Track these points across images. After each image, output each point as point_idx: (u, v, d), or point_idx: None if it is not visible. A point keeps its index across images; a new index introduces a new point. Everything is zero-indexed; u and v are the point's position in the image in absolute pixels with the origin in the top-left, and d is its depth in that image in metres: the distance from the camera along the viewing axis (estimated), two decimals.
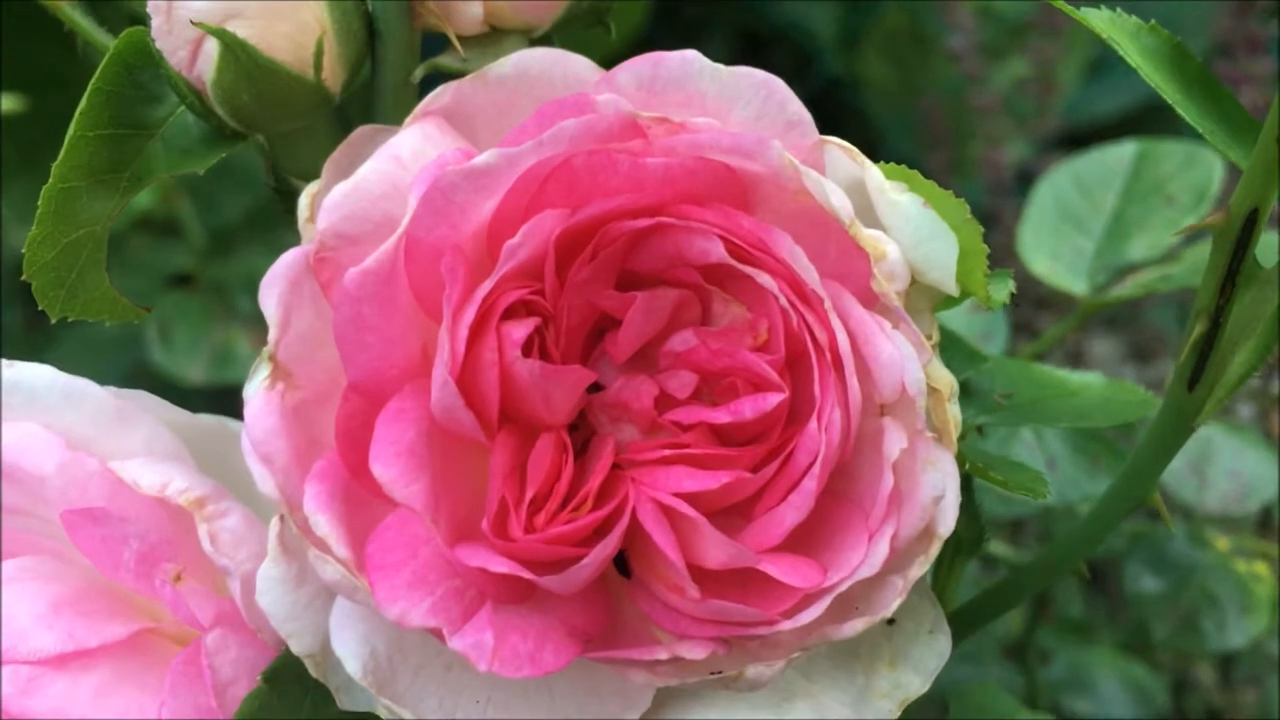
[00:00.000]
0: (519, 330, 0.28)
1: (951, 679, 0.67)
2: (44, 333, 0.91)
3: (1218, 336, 0.31)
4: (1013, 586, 0.38)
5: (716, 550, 0.28)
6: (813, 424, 0.28)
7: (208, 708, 0.31)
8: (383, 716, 0.31)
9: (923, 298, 0.32)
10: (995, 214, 0.88)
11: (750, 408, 0.29)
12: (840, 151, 0.32)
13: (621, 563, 0.31)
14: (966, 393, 0.38)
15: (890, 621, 0.33)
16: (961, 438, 0.32)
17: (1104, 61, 1.32)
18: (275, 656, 0.32)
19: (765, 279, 0.28)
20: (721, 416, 0.29)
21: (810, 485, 0.28)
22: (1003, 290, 0.32)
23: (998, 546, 0.69)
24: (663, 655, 0.28)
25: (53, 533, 0.34)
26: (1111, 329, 0.91)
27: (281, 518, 0.31)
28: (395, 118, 0.34)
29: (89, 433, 0.33)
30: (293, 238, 0.32)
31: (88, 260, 0.33)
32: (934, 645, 0.33)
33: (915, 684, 0.33)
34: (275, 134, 0.34)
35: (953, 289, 0.31)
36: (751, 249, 0.29)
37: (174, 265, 0.89)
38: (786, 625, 0.28)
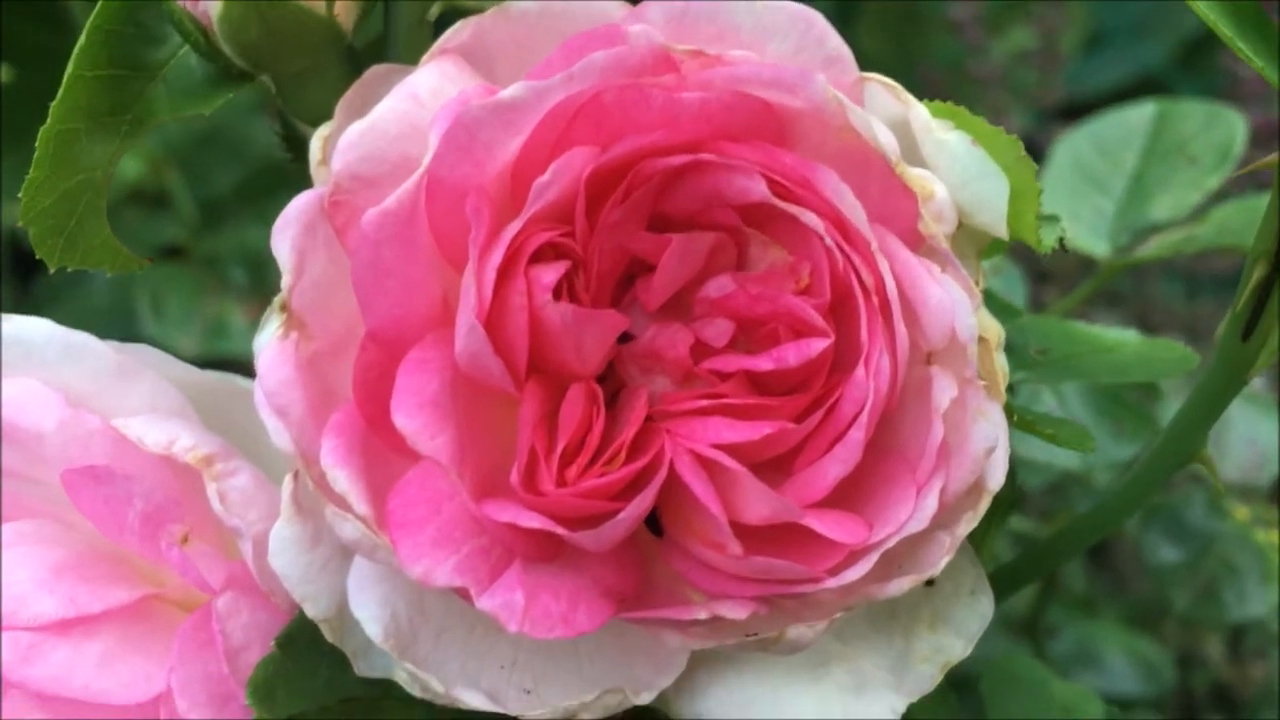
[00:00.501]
0: (549, 274, 0.27)
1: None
2: (33, 307, 0.90)
3: (1276, 283, 0.30)
4: (1053, 549, 0.36)
5: (759, 504, 0.26)
6: (860, 371, 0.27)
7: (219, 674, 0.29)
8: (402, 681, 0.29)
9: (968, 243, 0.31)
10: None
11: (794, 354, 0.27)
12: (883, 89, 0.30)
13: (652, 522, 0.30)
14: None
15: (929, 582, 0.32)
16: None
17: (1102, 34, 1.30)
18: (289, 621, 0.30)
19: (810, 218, 0.27)
20: (764, 364, 0.27)
21: (857, 436, 0.27)
22: (1052, 234, 0.31)
23: (1014, 520, 0.68)
24: (703, 615, 0.27)
25: (52, 496, 0.33)
26: (1115, 304, 0.90)
27: (295, 475, 0.30)
28: (410, 58, 0.32)
29: (89, 389, 0.32)
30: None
31: (87, 207, 0.31)
32: (976, 607, 0.32)
33: (958, 647, 0.31)
34: (283, 75, 0.32)
35: (1003, 231, 0.29)
36: (795, 187, 0.27)
37: (165, 237, 0.87)
38: (831, 583, 0.27)
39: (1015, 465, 0.38)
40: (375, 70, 0.31)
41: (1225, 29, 0.31)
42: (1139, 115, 0.63)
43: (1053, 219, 0.32)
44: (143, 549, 0.31)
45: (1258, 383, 0.80)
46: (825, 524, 0.27)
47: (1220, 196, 0.58)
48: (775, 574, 0.26)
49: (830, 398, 0.27)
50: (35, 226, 0.30)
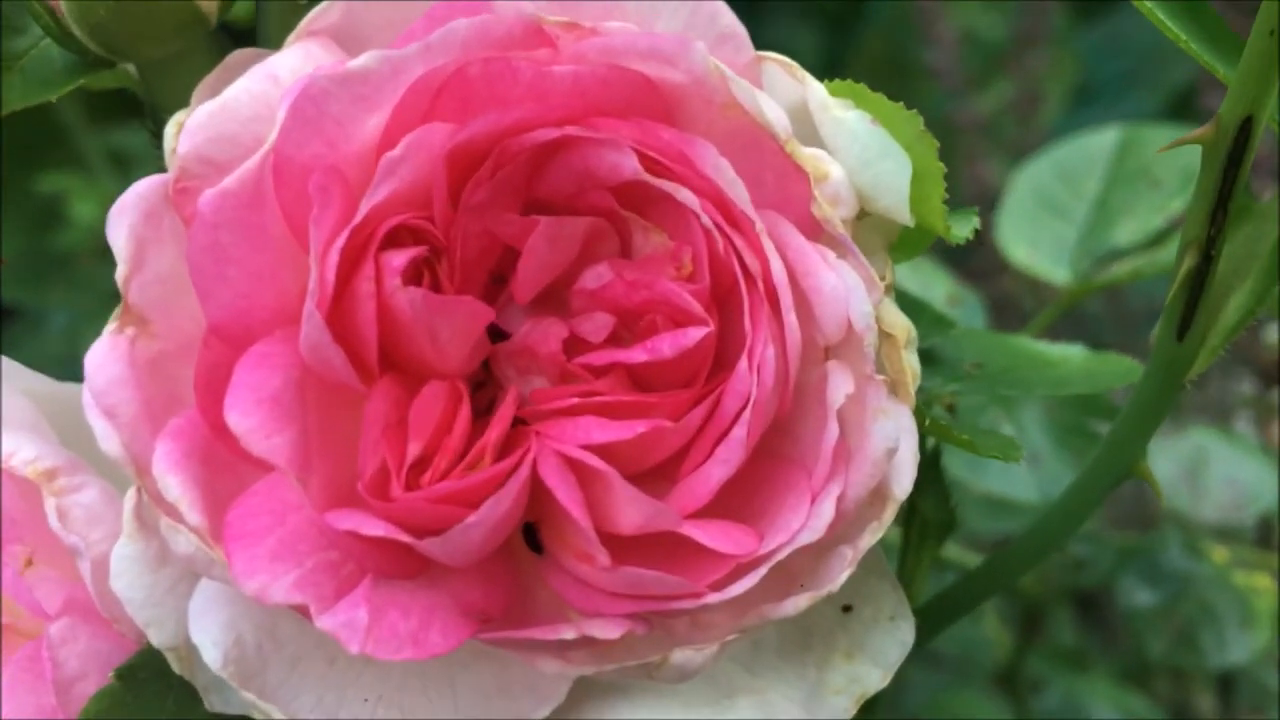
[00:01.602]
0: (400, 257, 0.24)
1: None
2: None
3: (1209, 274, 0.28)
4: (989, 574, 0.34)
5: (631, 511, 0.24)
6: (742, 363, 0.24)
7: (50, 707, 0.26)
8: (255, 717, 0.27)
9: (875, 235, 0.28)
10: (981, 230, 0.85)
11: (670, 344, 0.25)
12: (779, 69, 0.28)
13: (533, 538, 0.27)
14: (933, 360, 0.35)
15: (846, 609, 0.29)
16: (928, 406, 0.29)
17: (1090, 86, 1.29)
18: (135, 651, 0.28)
19: (685, 194, 0.25)
20: (637, 355, 0.25)
21: (740, 434, 0.24)
22: (965, 226, 0.28)
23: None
24: (570, 634, 0.24)
25: None
26: (1079, 332, 0.87)
27: (139, 490, 0.27)
28: (281, 44, 0.30)
29: None
30: None
31: None
32: (895, 633, 0.29)
33: (875, 677, 0.28)
34: (145, 62, 0.30)
35: (906, 216, 0.27)
36: (671, 162, 0.25)
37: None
38: (715, 598, 0.24)
39: (950, 488, 0.36)
40: (239, 54, 0.29)
41: (1176, 30, 0.29)
42: (1102, 141, 0.61)
43: (968, 211, 0.29)
44: None
45: (1240, 424, 0.77)
46: (707, 534, 0.24)
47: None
48: (649, 587, 0.24)
49: (712, 394, 0.25)
50: None
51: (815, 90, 0.27)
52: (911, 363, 0.27)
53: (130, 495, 0.27)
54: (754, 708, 0.28)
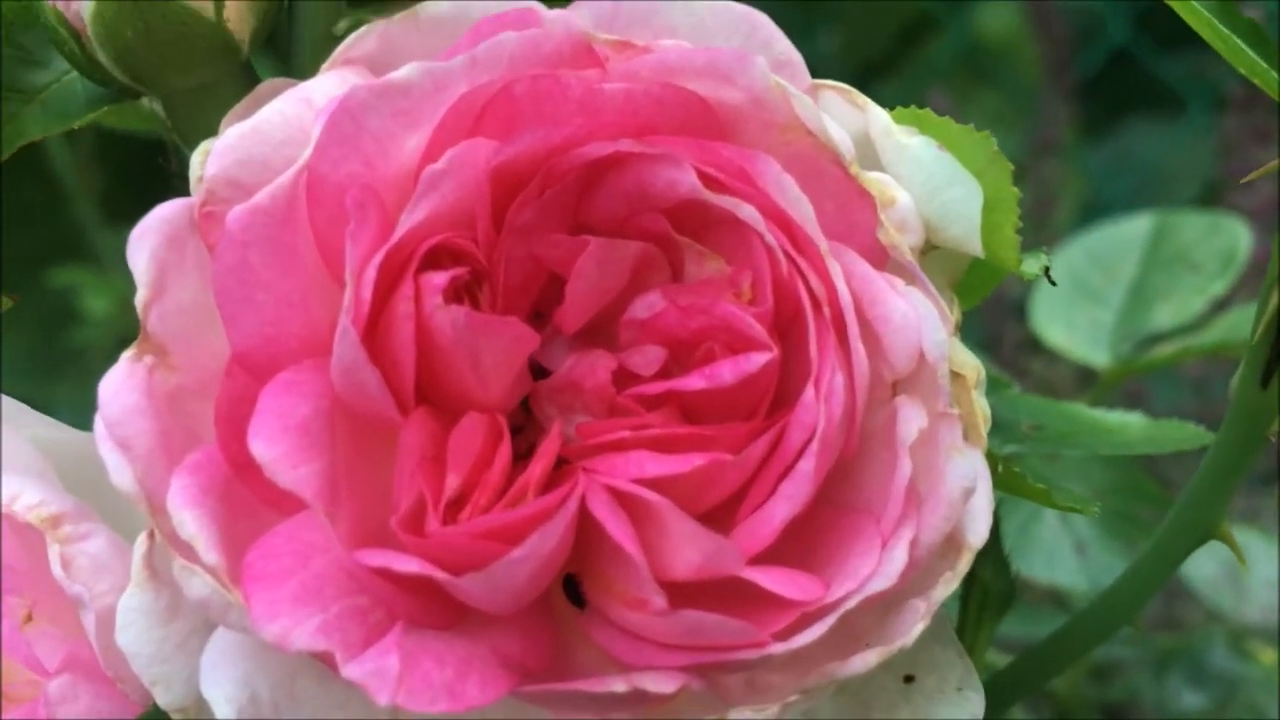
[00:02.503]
0: (441, 278, 0.23)
1: None
2: None
3: None
4: (1056, 647, 0.31)
5: (688, 550, 0.22)
6: (809, 392, 0.23)
7: None
8: None
9: (940, 271, 0.27)
10: (996, 338, 0.84)
11: (731, 370, 0.23)
12: (838, 95, 0.26)
13: (575, 592, 0.25)
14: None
15: (908, 679, 0.27)
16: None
17: (1099, 203, 1.29)
18: (140, 714, 0.25)
19: (748, 211, 0.23)
20: (695, 383, 0.23)
21: (807, 467, 0.22)
22: (1035, 264, 0.27)
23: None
24: (620, 687, 0.22)
25: None
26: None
27: (151, 534, 0.25)
28: (314, 75, 0.29)
29: None
30: None
31: None
32: (963, 705, 0.27)
33: None
34: (172, 93, 0.29)
35: (977, 246, 0.25)
36: (731, 179, 0.23)
37: None
38: (779, 648, 0.22)
39: (1008, 558, 0.33)
40: (270, 84, 0.28)
41: (1216, 39, 0.28)
42: (1135, 227, 0.60)
43: (1037, 251, 0.28)
44: None
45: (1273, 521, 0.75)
46: (771, 578, 0.22)
47: (1225, 305, 0.55)
48: (707, 634, 0.22)
49: (774, 427, 0.23)
50: None
51: (877, 116, 0.26)
52: (983, 405, 0.25)
53: (141, 541, 0.25)
54: None
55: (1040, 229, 1.01)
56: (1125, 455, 0.44)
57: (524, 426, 0.25)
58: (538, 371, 0.25)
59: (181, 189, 0.28)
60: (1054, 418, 0.35)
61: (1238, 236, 0.56)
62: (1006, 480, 0.27)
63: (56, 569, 0.25)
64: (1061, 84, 1.13)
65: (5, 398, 0.28)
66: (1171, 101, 1.36)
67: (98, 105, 0.28)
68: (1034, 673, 0.31)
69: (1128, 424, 0.36)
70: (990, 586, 0.32)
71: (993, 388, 0.34)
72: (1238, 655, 0.59)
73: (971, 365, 0.25)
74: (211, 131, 0.29)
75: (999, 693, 0.32)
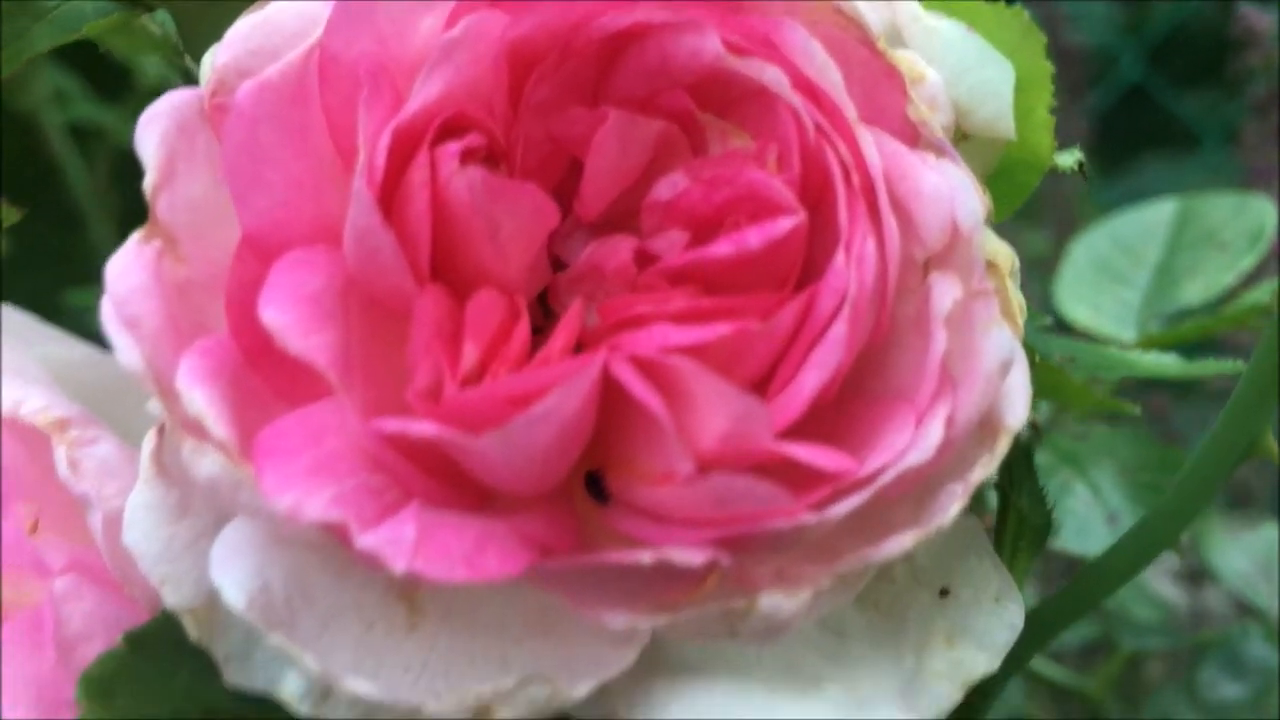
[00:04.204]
0: (457, 145, 0.22)
1: None
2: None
3: None
4: (1102, 571, 0.30)
5: (716, 415, 0.21)
6: (839, 257, 0.22)
7: (51, 676, 0.23)
8: (289, 697, 0.23)
9: (972, 160, 0.26)
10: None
11: (757, 235, 0.22)
12: None
13: (597, 489, 0.24)
14: None
15: (944, 592, 0.26)
16: None
17: None
18: (148, 620, 0.25)
19: (772, 73, 0.22)
20: (722, 249, 0.22)
21: (839, 332, 0.21)
22: (1070, 157, 0.26)
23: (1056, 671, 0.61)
24: (646, 559, 0.21)
25: None
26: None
27: (159, 430, 0.24)
28: None
29: None
30: None
31: None
32: (1002, 615, 0.26)
33: (981, 661, 0.25)
34: (182, 4, 0.29)
35: (1009, 128, 0.25)
36: (756, 46, 0.23)
37: None
38: (811, 519, 0.21)
39: (1045, 492, 0.32)
40: None
41: None
42: (1159, 211, 0.59)
43: (1071, 148, 0.27)
44: None
45: None
46: (803, 449, 0.21)
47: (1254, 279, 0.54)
48: (736, 501, 0.21)
49: (804, 294, 0.22)
50: None
51: (905, 3, 0.25)
52: (1017, 294, 0.25)
53: (149, 437, 0.24)
54: (844, 695, 0.25)
55: (1056, 262, 1.01)
56: (1151, 435, 0.43)
57: (542, 327, 0.25)
58: (557, 267, 0.25)
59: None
60: (1087, 353, 0.34)
61: (1265, 214, 0.55)
62: (1042, 375, 0.26)
63: (63, 470, 0.24)
64: (1076, 121, 1.13)
65: (14, 312, 0.28)
66: (1186, 137, 1.36)
67: (107, 14, 0.28)
68: (1083, 595, 0.30)
69: (1163, 361, 0.35)
70: (1027, 517, 0.31)
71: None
72: (1274, 645, 0.57)
73: (1005, 253, 0.25)
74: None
75: (1048, 617, 0.31)
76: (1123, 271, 0.56)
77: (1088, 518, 0.47)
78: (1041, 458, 0.47)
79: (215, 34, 0.29)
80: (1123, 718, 0.62)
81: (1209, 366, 0.34)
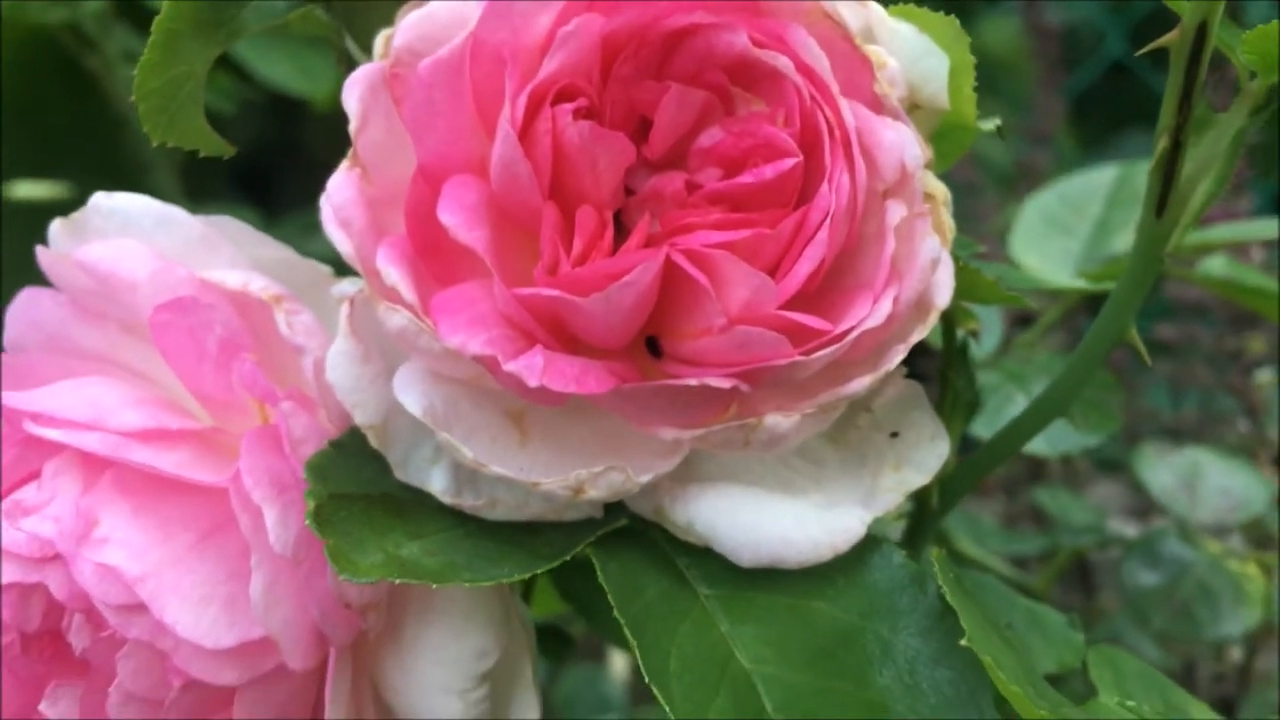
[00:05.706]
0: (569, 106, 0.33)
1: None
2: None
3: (1178, 158, 0.36)
4: (994, 448, 0.41)
5: (741, 288, 0.32)
6: (824, 186, 0.33)
7: (279, 467, 0.34)
8: (436, 492, 0.34)
9: (920, 124, 0.36)
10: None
11: (771, 169, 0.33)
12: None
13: (654, 349, 0.35)
14: None
15: (894, 435, 0.37)
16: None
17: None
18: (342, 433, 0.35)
19: (783, 61, 0.33)
20: (747, 179, 0.33)
21: (823, 236, 0.32)
22: (990, 123, 0.37)
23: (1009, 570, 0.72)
24: (693, 382, 0.32)
25: (140, 356, 0.38)
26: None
27: (352, 301, 0.35)
28: None
29: (178, 254, 0.37)
30: None
31: (187, 96, 0.37)
32: (935, 448, 0.36)
33: (917, 479, 0.36)
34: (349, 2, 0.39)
35: (944, 101, 0.35)
36: (771, 41, 0.33)
37: None
38: (803, 359, 0.32)
39: (974, 371, 0.43)
40: None
41: None
42: (1102, 176, 0.70)
43: (991, 116, 0.38)
44: (216, 377, 0.36)
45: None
46: (798, 314, 0.32)
47: None
48: (754, 345, 0.31)
49: (800, 210, 0.33)
50: (145, 104, 0.37)
51: (875, 9, 0.36)
52: (949, 220, 0.35)
53: (344, 308, 0.35)
54: (821, 496, 0.36)
55: None
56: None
57: (617, 234, 0.35)
58: (628, 193, 0.35)
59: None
60: (1010, 274, 0.44)
61: None
62: (965, 273, 0.37)
63: (284, 329, 0.35)
64: (1058, 97, 1.22)
65: (233, 221, 0.38)
66: None
67: (291, 9, 0.38)
68: (1002, 445, 0.41)
69: (1070, 281, 0.45)
70: (961, 394, 0.42)
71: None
72: (1189, 545, 0.68)
73: (941, 190, 0.35)
74: (376, 30, 0.39)
75: (959, 480, 0.42)
76: (1067, 224, 0.67)
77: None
78: (993, 377, 0.57)
79: (370, 23, 0.39)
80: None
81: (1102, 285, 0.44)
